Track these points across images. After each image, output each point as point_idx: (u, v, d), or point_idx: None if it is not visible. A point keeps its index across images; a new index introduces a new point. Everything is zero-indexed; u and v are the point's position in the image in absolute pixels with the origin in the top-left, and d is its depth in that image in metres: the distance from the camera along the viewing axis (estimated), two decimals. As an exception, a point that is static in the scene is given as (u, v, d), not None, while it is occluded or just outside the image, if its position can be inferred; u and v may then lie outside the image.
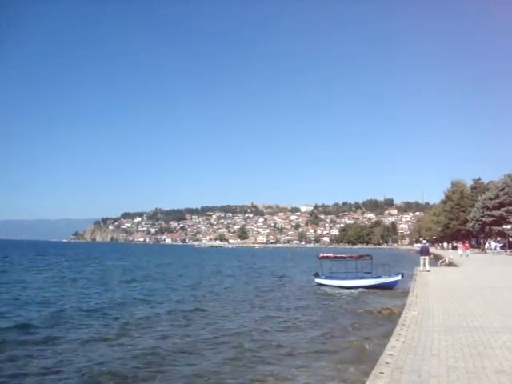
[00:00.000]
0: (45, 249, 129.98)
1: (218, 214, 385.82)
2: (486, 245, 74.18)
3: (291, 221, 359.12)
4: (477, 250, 77.52)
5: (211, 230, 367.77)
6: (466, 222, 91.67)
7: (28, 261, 62.16)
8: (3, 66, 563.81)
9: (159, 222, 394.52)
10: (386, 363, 7.62)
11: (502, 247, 74.74)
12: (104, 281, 35.48)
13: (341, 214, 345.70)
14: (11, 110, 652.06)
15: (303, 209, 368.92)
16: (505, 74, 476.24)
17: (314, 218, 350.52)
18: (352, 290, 29.83)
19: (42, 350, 13.56)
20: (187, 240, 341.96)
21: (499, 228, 76.06)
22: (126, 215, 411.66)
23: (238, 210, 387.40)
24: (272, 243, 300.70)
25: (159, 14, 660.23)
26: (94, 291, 28.25)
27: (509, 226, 70.62)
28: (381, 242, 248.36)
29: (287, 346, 14.33)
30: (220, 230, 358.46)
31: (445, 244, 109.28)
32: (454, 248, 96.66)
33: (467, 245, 61.02)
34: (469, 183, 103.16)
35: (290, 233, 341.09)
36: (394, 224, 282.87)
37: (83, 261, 67.41)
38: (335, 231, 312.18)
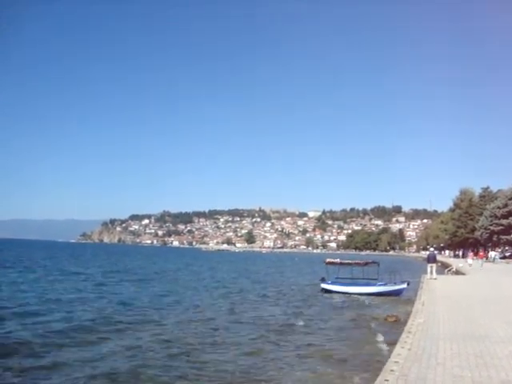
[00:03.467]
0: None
1: (225, 218, 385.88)
2: (490, 254, 73.65)
3: (298, 226, 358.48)
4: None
5: (218, 233, 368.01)
6: (473, 230, 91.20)
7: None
8: (5, 67, 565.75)
9: (167, 224, 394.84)
10: (392, 371, 7.60)
11: (510, 256, 74.39)
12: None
13: (348, 220, 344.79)
14: (19, 108, 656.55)
15: (311, 214, 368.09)
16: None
17: (321, 223, 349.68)
18: (358, 297, 29.80)
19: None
20: (194, 243, 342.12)
21: (507, 237, 75.63)
22: (134, 217, 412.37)
23: (245, 214, 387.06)
24: (279, 248, 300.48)
25: (161, 15, 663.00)
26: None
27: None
28: (388, 248, 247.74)
29: (291, 351, 14.32)
30: (227, 234, 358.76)
31: (446, 252, 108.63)
32: (456, 256, 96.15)
33: (481, 253, 59.98)
34: (477, 191, 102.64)
35: (297, 238, 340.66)
36: (401, 231, 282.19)
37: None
38: (342, 237, 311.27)
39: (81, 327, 17.01)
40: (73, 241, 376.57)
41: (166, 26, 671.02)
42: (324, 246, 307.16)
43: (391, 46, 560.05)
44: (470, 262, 49.53)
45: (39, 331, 15.90)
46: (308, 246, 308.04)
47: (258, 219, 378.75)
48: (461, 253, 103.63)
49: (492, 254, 69.76)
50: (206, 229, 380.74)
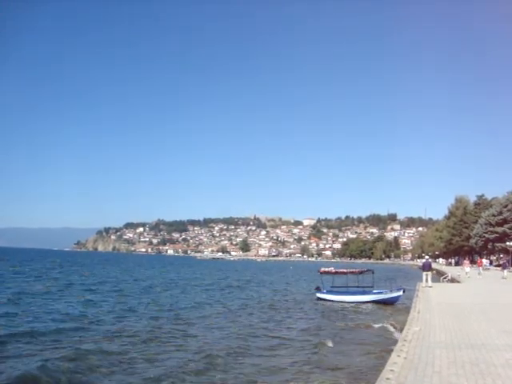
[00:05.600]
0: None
1: (220, 226, 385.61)
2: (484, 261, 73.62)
3: (293, 234, 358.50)
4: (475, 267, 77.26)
5: (213, 241, 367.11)
6: (468, 238, 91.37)
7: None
8: (4, 70, 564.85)
9: (161, 232, 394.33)
10: (387, 379, 7.54)
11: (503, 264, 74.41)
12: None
13: (343, 228, 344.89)
14: (13, 116, 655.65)
15: (306, 222, 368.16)
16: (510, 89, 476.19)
17: (316, 231, 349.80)
18: (353, 305, 29.69)
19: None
20: (189, 251, 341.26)
21: (502, 245, 75.70)
22: (129, 225, 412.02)
23: (240, 222, 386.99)
24: (274, 256, 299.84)
25: (163, 17, 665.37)
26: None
27: (512, 243, 70.26)
28: (383, 256, 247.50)
29: (287, 361, 14.22)
30: (222, 242, 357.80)
31: (440, 260, 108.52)
32: (449, 264, 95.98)
33: (479, 261, 59.31)
34: (472, 199, 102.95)
35: (292, 246, 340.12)
36: (396, 239, 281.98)
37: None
38: (337, 245, 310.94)
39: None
40: (67, 249, 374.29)
41: (162, 28, 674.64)
42: (319, 254, 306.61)
43: (389, 52, 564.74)
44: (467, 270, 47.45)
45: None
46: (303, 255, 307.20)
47: (253, 227, 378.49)
48: (453, 261, 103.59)
49: (484, 261, 69.69)
50: (201, 237, 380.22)
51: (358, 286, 32.93)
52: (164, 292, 36.07)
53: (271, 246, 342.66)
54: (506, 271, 46.13)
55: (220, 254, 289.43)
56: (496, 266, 74.26)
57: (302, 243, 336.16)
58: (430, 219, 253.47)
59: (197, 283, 48.01)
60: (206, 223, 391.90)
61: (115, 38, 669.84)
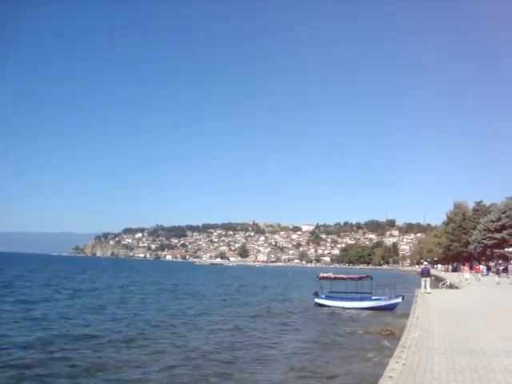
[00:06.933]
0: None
1: (219, 232, 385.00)
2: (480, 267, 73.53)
3: (292, 240, 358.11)
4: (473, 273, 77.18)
5: (212, 247, 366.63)
6: (467, 244, 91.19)
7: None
8: (5, 70, 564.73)
9: (160, 238, 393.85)
10: (386, 385, 7.52)
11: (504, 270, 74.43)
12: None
13: (342, 234, 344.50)
14: (14, 117, 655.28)
15: (304, 228, 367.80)
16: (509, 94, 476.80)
17: (315, 237, 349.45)
18: (352, 311, 29.62)
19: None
20: (187, 257, 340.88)
21: (501, 251, 75.72)
22: (127, 231, 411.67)
23: (239, 228, 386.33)
24: (272, 262, 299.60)
25: (163, 17, 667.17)
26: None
27: (511, 249, 70.18)
28: (382, 262, 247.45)
29: (285, 367, 14.17)
30: (221, 248, 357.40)
31: (439, 266, 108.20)
32: (447, 270, 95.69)
33: (478, 267, 58.98)
34: (471, 205, 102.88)
35: (290, 252, 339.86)
36: (395, 245, 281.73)
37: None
38: (336, 251, 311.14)
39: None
40: (65, 254, 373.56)
41: (161, 29, 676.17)
42: (318, 260, 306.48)
43: (389, 52, 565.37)
44: (466, 277, 46.71)
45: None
46: (302, 260, 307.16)
47: (252, 233, 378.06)
48: (450, 267, 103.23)
49: (481, 267, 69.68)
50: (200, 243, 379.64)
51: (356, 292, 32.83)
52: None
53: (270, 252, 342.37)
54: (497, 277, 46.16)
55: (219, 259, 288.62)
56: (493, 271, 74.17)
57: (301, 249, 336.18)
58: (429, 225, 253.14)
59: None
60: (205, 229, 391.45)
61: (115, 38, 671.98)
